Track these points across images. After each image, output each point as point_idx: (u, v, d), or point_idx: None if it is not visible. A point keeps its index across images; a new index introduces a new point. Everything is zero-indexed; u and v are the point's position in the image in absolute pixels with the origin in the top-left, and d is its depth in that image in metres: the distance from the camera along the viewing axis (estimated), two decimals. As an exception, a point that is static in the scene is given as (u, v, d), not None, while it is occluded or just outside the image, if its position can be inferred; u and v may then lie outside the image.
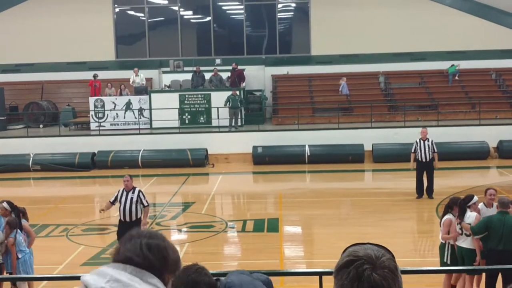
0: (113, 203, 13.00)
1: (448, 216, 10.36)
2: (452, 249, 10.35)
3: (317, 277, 6.03)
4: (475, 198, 10.40)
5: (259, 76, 32.86)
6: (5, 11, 34.18)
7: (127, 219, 12.68)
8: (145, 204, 12.78)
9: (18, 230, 10.42)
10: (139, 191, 12.82)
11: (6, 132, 29.38)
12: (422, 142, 18.70)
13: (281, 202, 19.22)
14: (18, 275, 10.16)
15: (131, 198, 12.66)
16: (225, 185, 22.93)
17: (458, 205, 10.27)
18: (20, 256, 10.40)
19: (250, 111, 30.70)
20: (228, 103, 27.45)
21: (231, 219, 17.45)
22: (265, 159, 25.91)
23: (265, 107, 31.38)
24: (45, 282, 11.76)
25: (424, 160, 18.67)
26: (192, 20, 35.90)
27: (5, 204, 10.71)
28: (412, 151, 18.85)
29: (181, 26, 34.58)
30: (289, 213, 17.79)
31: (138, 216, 12.75)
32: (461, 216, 10.15)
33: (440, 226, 10.61)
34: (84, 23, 33.58)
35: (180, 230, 16.62)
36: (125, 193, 12.76)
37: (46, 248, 14.49)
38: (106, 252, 14.26)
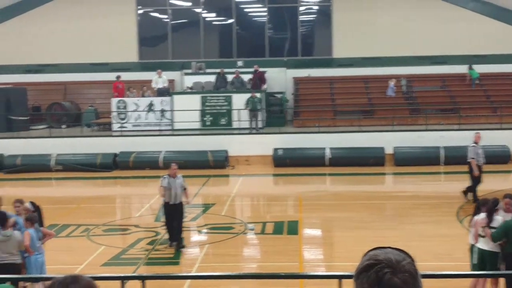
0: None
1: (479, 216, 10.25)
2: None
3: (337, 280, 6.03)
4: (501, 204, 10.33)
5: (280, 78, 32.81)
6: (29, 12, 34.46)
7: (177, 201, 14.31)
8: (186, 186, 14.51)
9: (36, 228, 10.61)
10: (182, 176, 14.46)
11: (29, 132, 29.60)
12: (478, 146, 18.17)
13: (301, 204, 19.20)
14: (38, 275, 10.28)
15: (180, 183, 14.28)
16: (245, 187, 22.96)
17: (486, 208, 10.14)
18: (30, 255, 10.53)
19: (271, 113, 30.68)
20: (247, 105, 27.48)
21: (250, 221, 17.45)
22: (286, 161, 25.87)
23: (286, 109, 31.36)
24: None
25: (482, 164, 18.11)
26: (214, 22, 35.98)
27: (28, 205, 11.18)
28: (472, 156, 17.95)
29: (204, 28, 34.64)
30: (309, 216, 17.76)
31: (182, 199, 14.41)
32: (488, 219, 10.01)
33: (471, 226, 10.48)
34: (107, 25, 33.77)
35: (200, 231, 16.68)
36: (172, 179, 14.24)
37: (67, 248, 14.63)
38: (126, 253, 14.35)
